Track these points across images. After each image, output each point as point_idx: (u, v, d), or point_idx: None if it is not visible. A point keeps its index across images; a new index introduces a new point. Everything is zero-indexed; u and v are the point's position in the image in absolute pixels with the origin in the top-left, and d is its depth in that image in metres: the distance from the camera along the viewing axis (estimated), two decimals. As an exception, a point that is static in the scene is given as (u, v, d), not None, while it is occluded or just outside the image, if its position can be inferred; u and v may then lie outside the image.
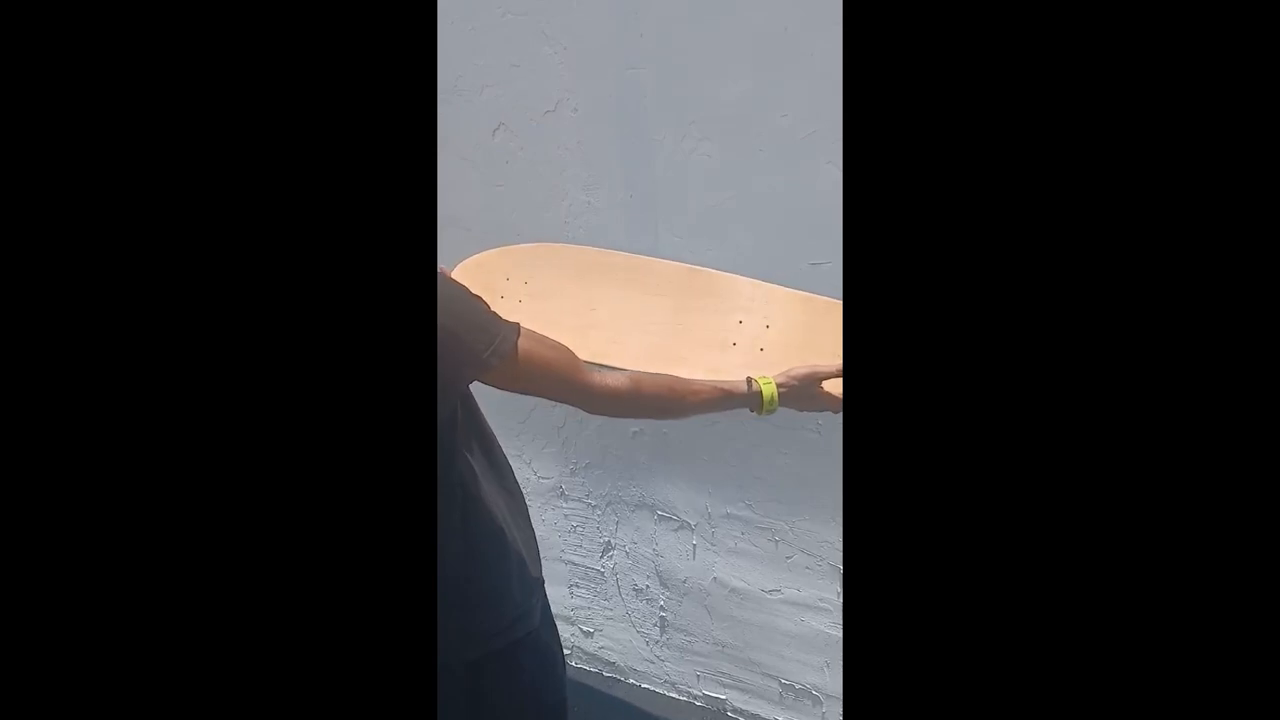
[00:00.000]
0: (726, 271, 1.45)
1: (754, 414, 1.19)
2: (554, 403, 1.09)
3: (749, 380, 1.19)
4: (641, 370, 1.33)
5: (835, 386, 1.23)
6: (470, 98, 1.62)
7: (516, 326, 1.00)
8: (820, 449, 1.52)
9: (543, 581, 1.18)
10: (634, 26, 1.43)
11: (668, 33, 1.41)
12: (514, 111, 1.60)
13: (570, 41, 1.49)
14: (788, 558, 1.67)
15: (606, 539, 1.90)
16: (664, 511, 1.78)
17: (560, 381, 1.05)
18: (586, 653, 2.03)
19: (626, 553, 1.88)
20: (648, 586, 1.88)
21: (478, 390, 1.05)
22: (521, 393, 1.04)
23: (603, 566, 1.93)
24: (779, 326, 1.39)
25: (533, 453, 1.87)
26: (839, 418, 1.32)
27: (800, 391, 1.21)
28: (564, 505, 1.91)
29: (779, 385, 1.19)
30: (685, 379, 1.16)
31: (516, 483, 1.15)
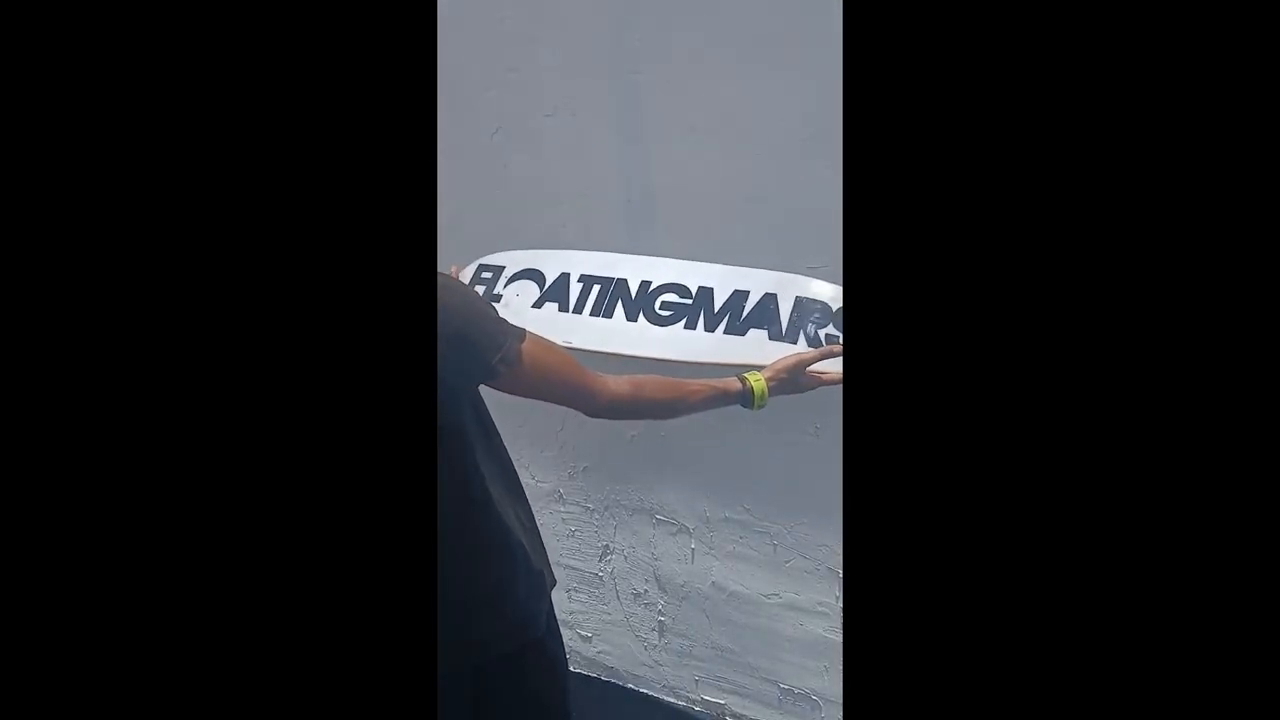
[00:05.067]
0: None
1: (747, 409, 1.24)
2: (552, 406, 1.08)
3: (741, 379, 1.22)
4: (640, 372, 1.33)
5: (821, 367, 1.28)
6: (469, 101, 1.62)
7: (523, 332, 1.00)
8: (818, 453, 1.52)
9: (550, 587, 1.18)
10: (632, 29, 1.43)
11: (666, 35, 1.41)
12: (513, 115, 1.60)
13: (568, 45, 1.49)
14: (786, 562, 1.66)
15: (604, 543, 1.89)
16: (662, 515, 1.78)
17: (564, 386, 1.05)
18: (584, 657, 2.02)
19: (625, 557, 1.88)
20: (646, 591, 1.88)
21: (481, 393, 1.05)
22: (525, 397, 1.04)
23: (601, 571, 1.93)
24: None
25: (531, 457, 1.86)
26: (838, 420, 1.32)
27: (788, 382, 1.25)
28: (562, 509, 1.90)
29: (768, 380, 1.23)
30: (683, 380, 1.18)
31: (522, 488, 1.15)
